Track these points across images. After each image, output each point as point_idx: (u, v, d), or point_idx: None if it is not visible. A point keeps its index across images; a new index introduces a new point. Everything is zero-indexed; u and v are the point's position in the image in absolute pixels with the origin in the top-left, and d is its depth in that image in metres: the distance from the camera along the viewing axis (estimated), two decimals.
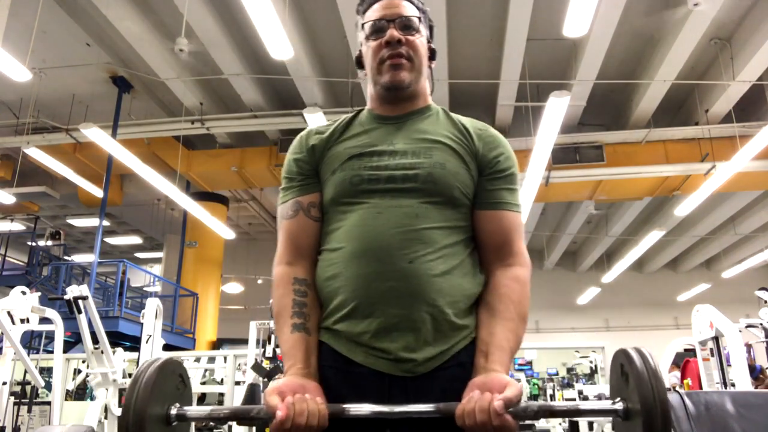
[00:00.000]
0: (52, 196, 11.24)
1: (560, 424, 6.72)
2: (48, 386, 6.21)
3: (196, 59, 8.01)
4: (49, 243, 12.07)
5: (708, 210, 11.41)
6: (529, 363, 16.63)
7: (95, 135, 7.08)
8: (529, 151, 7.44)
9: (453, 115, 1.28)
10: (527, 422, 4.83)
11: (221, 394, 7.47)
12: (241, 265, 14.14)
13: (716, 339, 4.40)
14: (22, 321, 4.55)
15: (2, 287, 10.17)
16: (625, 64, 8.14)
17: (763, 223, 12.38)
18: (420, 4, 1.27)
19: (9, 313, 4.43)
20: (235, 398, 6.51)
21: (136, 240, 16.42)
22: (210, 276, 11.63)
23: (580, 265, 16.10)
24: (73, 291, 4.60)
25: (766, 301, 5.27)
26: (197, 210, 9.28)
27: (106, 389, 4.68)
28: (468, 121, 1.26)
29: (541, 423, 5.41)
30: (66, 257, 12.39)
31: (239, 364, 7.25)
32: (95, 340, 4.80)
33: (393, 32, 1.19)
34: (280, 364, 4.76)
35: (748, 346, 6.62)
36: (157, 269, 15.78)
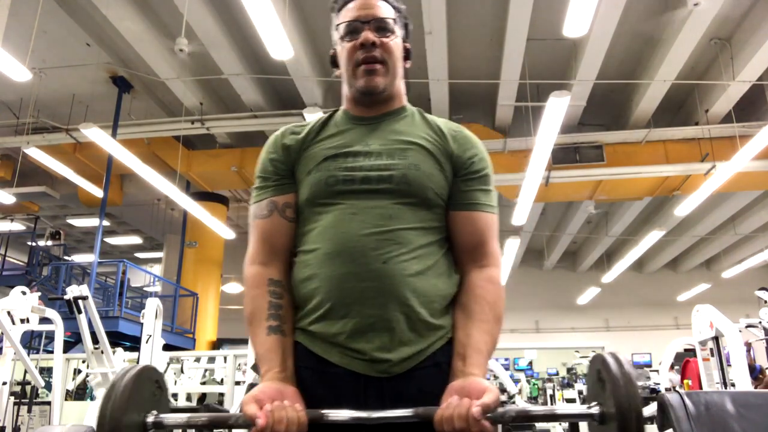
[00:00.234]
0: (52, 196, 11.25)
1: (560, 423, 6.71)
2: (48, 386, 6.21)
3: (196, 59, 8.01)
4: (49, 243, 12.07)
5: (708, 210, 11.41)
6: (530, 363, 16.66)
7: (95, 135, 7.08)
8: (529, 151, 7.45)
9: (428, 116, 1.28)
10: (526, 423, 4.83)
11: (221, 394, 7.47)
12: (241, 265, 13.70)
13: (716, 339, 4.40)
14: (22, 321, 4.55)
15: (2, 287, 10.16)
16: (625, 64, 8.14)
17: (763, 223, 12.38)
18: (396, 3, 1.26)
19: (9, 313, 4.43)
20: (235, 398, 6.52)
21: (136, 240, 16.42)
22: (210, 276, 11.63)
23: (580, 265, 16.10)
24: (73, 291, 4.60)
25: (766, 301, 5.27)
26: (197, 210, 9.28)
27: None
28: (443, 122, 1.26)
29: (541, 423, 5.40)
30: (66, 257, 12.39)
31: (239, 364, 7.26)
32: (95, 340, 4.80)
33: (367, 34, 1.19)
34: None
35: (748, 345, 6.62)
36: (157, 269, 15.78)
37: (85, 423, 4.45)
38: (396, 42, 1.23)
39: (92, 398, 6.88)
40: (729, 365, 4.43)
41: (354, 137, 1.21)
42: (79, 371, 7.43)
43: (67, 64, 8.04)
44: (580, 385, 11.08)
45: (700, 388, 5.02)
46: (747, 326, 4.91)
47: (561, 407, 0.94)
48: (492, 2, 6.99)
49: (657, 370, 8.41)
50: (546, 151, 7.06)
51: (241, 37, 7.58)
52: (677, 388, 6.63)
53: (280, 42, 5.44)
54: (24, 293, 4.57)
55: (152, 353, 5.11)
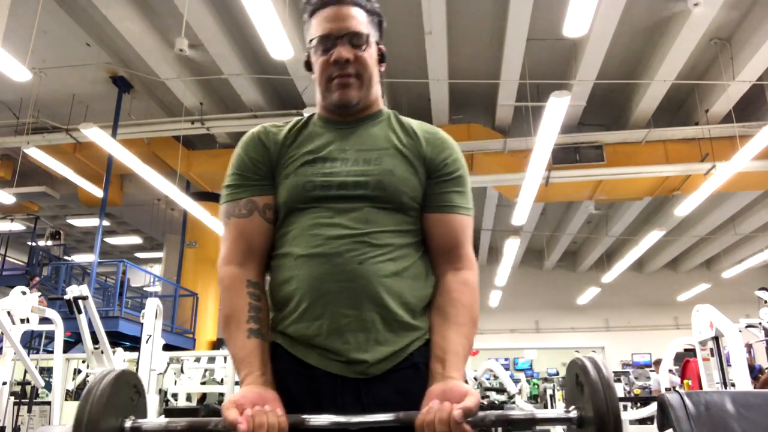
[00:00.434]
0: (52, 196, 11.25)
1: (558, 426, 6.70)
2: (48, 386, 6.20)
3: (196, 59, 8.01)
4: (49, 243, 12.08)
5: (708, 210, 11.41)
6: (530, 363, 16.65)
7: (95, 135, 7.08)
8: (529, 151, 7.44)
9: (403, 119, 1.28)
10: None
11: (221, 394, 7.47)
12: None
13: (716, 339, 4.40)
14: (22, 321, 4.55)
15: (2, 287, 10.17)
16: (625, 64, 8.14)
17: (763, 223, 12.38)
18: (368, 4, 1.24)
19: (9, 313, 4.43)
20: None
21: (136, 240, 16.42)
22: (210, 276, 11.62)
23: (580, 265, 16.09)
24: (73, 291, 4.60)
25: (766, 301, 5.28)
26: (197, 210, 9.28)
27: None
28: (417, 125, 1.26)
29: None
30: (66, 257, 12.40)
31: None
32: (95, 340, 4.80)
33: (341, 52, 1.18)
34: None
35: (749, 347, 6.62)
36: (157, 269, 15.78)
37: None
38: (370, 52, 1.22)
39: None
40: (729, 365, 4.43)
41: (330, 142, 1.21)
42: (79, 371, 7.43)
43: (67, 64, 8.04)
44: None
45: (700, 388, 5.02)
46: (747, 326, 4.91)
47: (540, 411, 0.96)
48: (492, 2, 6.99)
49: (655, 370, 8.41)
50: (546, 151, 7.06)
51: (241, 37, 7.58)
52: (677, 388, 6.63)
53: (280, 42, 5.44)
54: (24, 293, 4.57)
55: (152, 353, 5.11)
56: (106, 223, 12.84)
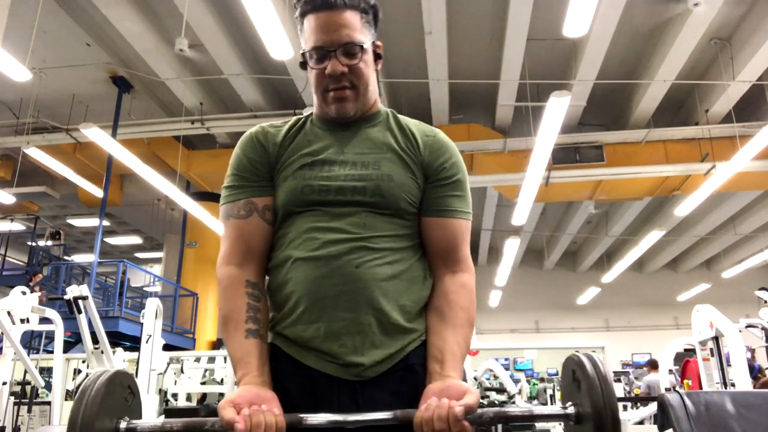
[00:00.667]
0: (52, 196, 11.25)
1: (560, 424, 6.72)
2: (48, 386, 6.21)
3: (196, 59, 8.02)
4: (49, 243, 12.08)
5: (708, 210, 11.41)
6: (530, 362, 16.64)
7: (95, 135, 7.08)
8: (529, 151, 7.45)
9: (401, 118, 1.27)
10: (527, 423, 4.83)
11: (221, 394, 7.47)
12: None
13: (716, 339, 4.40)
14: (22, 321, 4.55)
15: (2, 287, 10.16)
16: (625, 64, 8.14)
17: (763, 223, 12.38)
18: (362, 2, 1.18)
19: (9, 313, 4.43)
20: None
21: (136, 240, 16.42)
22: (210, 276, 11.60)
23: (580, 265, 16.10)
24: (73, 291, 4.60)
25: (766, 301, 5.27)
26: (197, 210, 9.28)
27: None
28: (415, 126, 1.25)
29: (541, 423, 5.42)
30: (66, 257, 12.40)
31: None
32: (95, 340, 4.80)
33: (336, 65, 1.16)
34: None
35: (752, 351, 6.62)
36: (157, 269, 15.78)
37: None
38: (365, 59, 1.19)
39: None
40: (729, 365, 4.43)
41: (329, 145, 1.21)
42: (79, 371, 7.43)
43: (67, 64, 8.04)
44: None
45: (700, 388, 5.02)
46: (747, 326, 4.91)
47: (537, 408, 0.96)
48: (492, 2, 6.99)
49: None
50: (546, 151, 7.06)
51: (241, 37, 7.58)
52: (677, 388, 6.63)
53: (280, 42, 5.44)
54: (24, 293, 4.57)
55: (152, 353, 5.11)
56: (106, 223, 12.84)
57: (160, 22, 7.39)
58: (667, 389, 5.71)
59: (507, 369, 13.95)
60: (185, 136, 9.16)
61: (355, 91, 1.19)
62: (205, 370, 8.60)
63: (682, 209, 9.50)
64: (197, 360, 8.51)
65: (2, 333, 4.42)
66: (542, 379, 14.06)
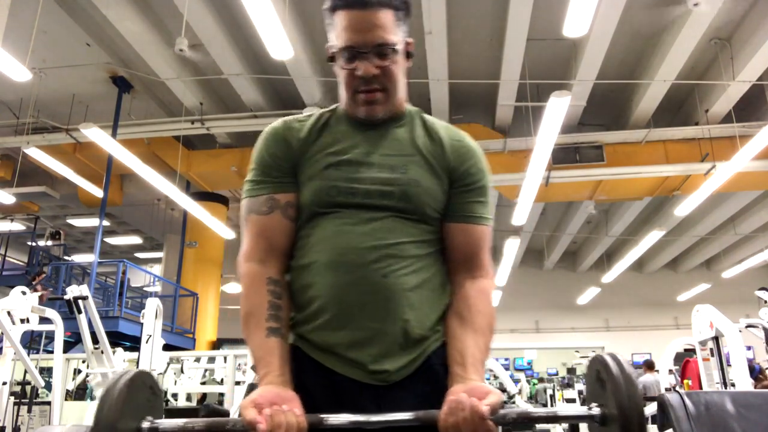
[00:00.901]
0: (52, 196, 11.24)
1: (560, 424, 6.71)
2: (48, 386, 6.21)
3: (196, 59, 8.01)
4: (49, 243, 12.07)
5: (708, 210, 11.41)
6: (529, 363, 16.64)
7: (95, 135, 7.08)
8: (529, 151, 7.45)
9: (428, 119, 1.26)
10: (528, 424, 4.82)
11: (221, 394, 7.48)
12: None
13: (716, 339, 4.41)
14: (22, 321, 4.55)
15: (2, 287, 10.16)
16: (625, 64, 8.14)
17: (763, 223, 12.38)
18: (396, 0, 1.15)
19: (9, 313, 4.43)
20: (236, 398, 6.52)
21: (136, 240, 16.42)
22: (210, 276, 11.63)
23: (580, 265, 16.10)
24: (73, 291, 4.60)
25: (766, 301, 5.27)
26: (197, 210, 9.28)
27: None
28: (443, 130, 1.24)
29: (541, 423, 5.42)
30: (66, 257, 12.39)
31: (239, 364, 7.26)
32: (95, 340, 4.80)
33: (368, 68, 1.13)
34: None
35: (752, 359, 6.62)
36: (157, 269, 15.78)
37: (84, 423, 4.45)
38: (397, 60, 1.16)
39: (92, 398, 6.87)
40: (729, 365, 4.43)
41: (355, 144, 1.19)
42: (79, 371, 7.43)
43: (67, 64, 8.04)
44: (581, 385, 11.08)
45: (700, 388, 5.02)
46: (747, 326, 4.91)
47: (562, 408, 0.94)
48: (492, 2, 6.99)
49: (657, 370, 8.42)
50: (546, 151, 7.06)
51: (241, 37, 7.58)
52: (677, 388, 6.63)
53: (280, 42, 5.44)
54: (24, 293, 4.57)
55: (152, 353, 5.12)
56: (106, 223, 12.83)
57: (160, 22, 7.39)
58: (667, 389, 5.71)
59: (507, 369, 13.95)
60: (185, 136, 9.16)
61: (385, 93, 1.17)
62: (205, 370, 8.61)
63: (682, 209, 9.50)
64: (197, 360, 8.53)
65: (2, 333, 4.43)
66: (542, 379, 14.06)
